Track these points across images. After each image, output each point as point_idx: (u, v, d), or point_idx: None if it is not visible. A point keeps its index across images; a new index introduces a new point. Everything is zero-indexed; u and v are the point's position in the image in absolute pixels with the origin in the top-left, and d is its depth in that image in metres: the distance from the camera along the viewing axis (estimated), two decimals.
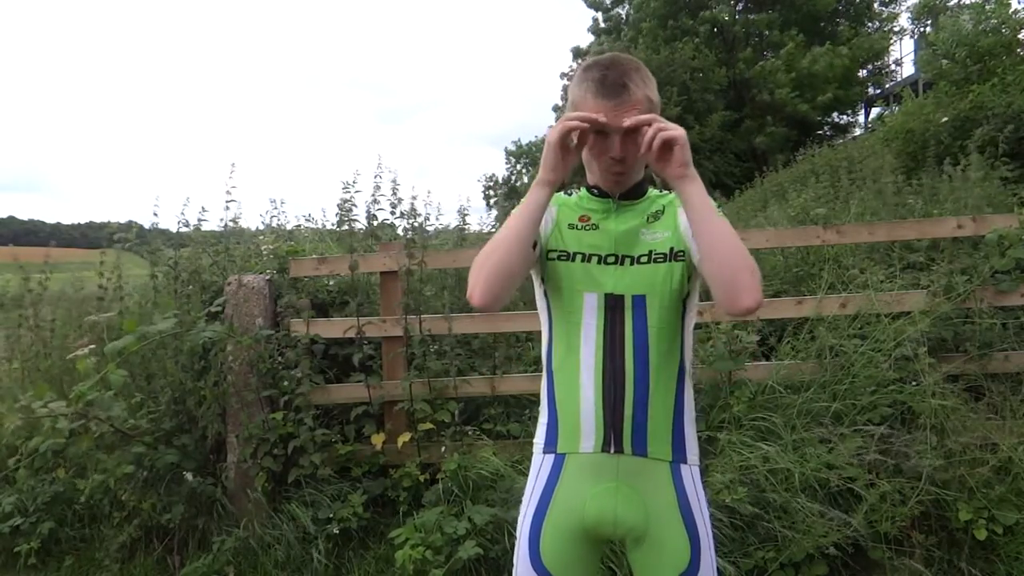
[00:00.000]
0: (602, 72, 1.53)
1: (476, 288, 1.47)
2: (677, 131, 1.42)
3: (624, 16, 27.23)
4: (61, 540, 3.60)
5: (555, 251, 1.60)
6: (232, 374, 3.51)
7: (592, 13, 27.92)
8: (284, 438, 3.43)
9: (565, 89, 29.78)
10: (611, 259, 1.57)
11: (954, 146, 7.31)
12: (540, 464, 1.63)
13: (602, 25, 27.85)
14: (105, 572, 3.39)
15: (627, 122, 1.46)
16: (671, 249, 1.56)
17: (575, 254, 1.59)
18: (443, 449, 3.42)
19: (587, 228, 1.60)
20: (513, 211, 1.54)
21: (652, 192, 1.65)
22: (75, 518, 3.65)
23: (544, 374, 1.67)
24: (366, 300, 4.04)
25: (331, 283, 4.13)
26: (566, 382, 1.59)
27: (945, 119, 8.66)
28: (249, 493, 3.40)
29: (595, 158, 1.58)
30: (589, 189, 1.66)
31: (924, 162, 7.14)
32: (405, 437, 3.45)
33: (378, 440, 3.49)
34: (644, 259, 1.56)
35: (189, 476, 3.38)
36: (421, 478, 3.38)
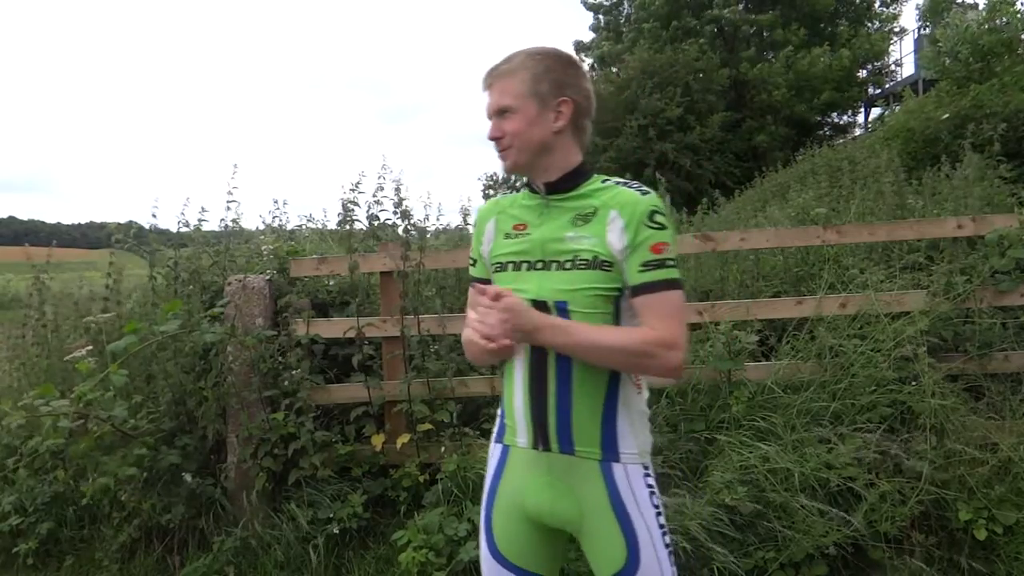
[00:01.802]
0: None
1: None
2: (496, 317, 1.48)
3: (624, 16, 27.22)
4: (61, 540, 3.60)
5: (494, 263, 1.70)
6: (232, 374, 3.50)
7: (593, 14, 27.92)
8: (284, 438, 3.43)
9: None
10: (538, 264, 1.61)
11: (954, 144, 7.31)
12: (492, 453, 1.77)
13: (603, 25, 27.85)
14: (105, 572, 3.39)
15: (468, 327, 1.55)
16: (595, 257, 1.55)
17: (507, 263, 1.66)
18: (443, 449, 3.42)
19: (520, 236, 1.66)
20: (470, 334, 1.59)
21: (594, 181, 1.63)
22: (75, 518, 3.65)
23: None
24: (366, 300, 4.04)
25: (331, 283, 4.13)
26: (508, 380, 1.69)
27: (946, 115, 8.66)
28: (249, 493, 3.39)
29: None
30: (526, 185, 1.72)
31: (924, 161, 7.15)
32: (405, 438, 3.45)
33: (378, 441, 3.49)
34: (568, 264, 1.57)
35: (188, 477, 3.38)
36: (421, 478, 3.38)
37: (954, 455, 3.03)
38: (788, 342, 3.58)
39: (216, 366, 3.51)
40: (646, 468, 1.64)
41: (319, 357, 3.73)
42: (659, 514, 1.62)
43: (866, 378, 3.20)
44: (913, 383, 3.18)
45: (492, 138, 1.64)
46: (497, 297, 1.49)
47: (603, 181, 1.62)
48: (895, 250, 4.01)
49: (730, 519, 2.83)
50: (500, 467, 1.72)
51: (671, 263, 1.54)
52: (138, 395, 3.56)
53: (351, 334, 3.55)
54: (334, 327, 3.66)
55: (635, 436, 1.62)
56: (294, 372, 3.49)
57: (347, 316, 3.81)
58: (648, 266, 1.53)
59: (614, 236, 1.54)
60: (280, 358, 3.55)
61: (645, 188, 1.60)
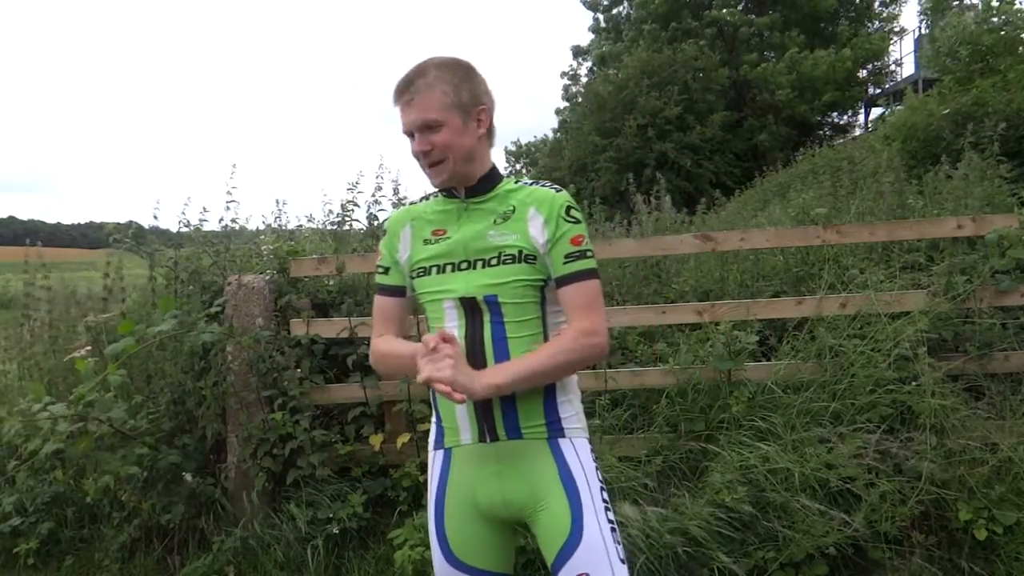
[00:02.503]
0: (400, 78, 1.66)
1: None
2: (438, 373, 1.49)
3: (624, 16, 27.22)
4: (61, 540, 3.60)
5: (415, 269, 1.72)
6: (232, 374, 3.50)
7: (592, 13, 27.94)
8: (284, 438, 3.43)
9: (565, 88, 29.92)
10: (463, 264, 1.66)
11: (955, 143, 7.31)
12: (432, 461, 1.76)
13: (602, 25, 27.86)
14: (105, 572, 3.39)
15: (420, 378, 1.52)
16: (520, 251, 1.64)
17: (431, 267, 1.70)
18: None
19: (440, 241, 1.70)
20: (398, 347, 1.71)
21: (506, 183, 1.72)
22: (75, 518, 3.65)
23: None
24: (366, 299, 4.04)
25: (331, 283, 4.13)
26: None
27: (947, 111, 8.65)
28: (249, 493, 3.39)
29: (416, 160, 1.68)
30: (440, 191, 1.75)
31: (925, 160, 7.14)
32: (404, 438, 3.45)
33: (377, 441, 3.49)
34: (494, 261, 1.64)
35: (188, 477, 3.38)
36: (421, 478, 3.37)
37: (954, 455, 3.03)
38: (788, 342, 3.58)
39: (215, 366, 3.51)
40: (590, 443, 1.73)
41: (319, 357, 3.73)
42: (603, 490, 1.68)
43: (866, 378, 3.20)
44: (913, 383, 3.18)
45: (421, 152, 1.65)
46: (435, 347, 1.51)
47: (516, 182, 1.72)
48: (895, 250, 4.01)
49: (730, 519, 2.83)
50: (444, 472, 1.73)
51: (590, 253, 1.66)
52: (138, 395, 3.56)
53: (346, 334, 3.55)
54: (334, 327, 3.65)
55: (576, 412, 1.71)
56: (288, 371, 3.48)
57: (346, 316, 3.81)
58: (570, 257, 1.64)
59: (536, 231, 1.64)
60: (280, 357, 3.55)
61: (557, 186, 1.71)
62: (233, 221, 4.47)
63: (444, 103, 1.62)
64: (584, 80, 28.03)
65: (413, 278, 1.74)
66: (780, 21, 23.61)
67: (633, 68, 21.80)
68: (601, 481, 1.70)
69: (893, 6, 25.92)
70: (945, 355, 3.41)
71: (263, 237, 4.92)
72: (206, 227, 4.48)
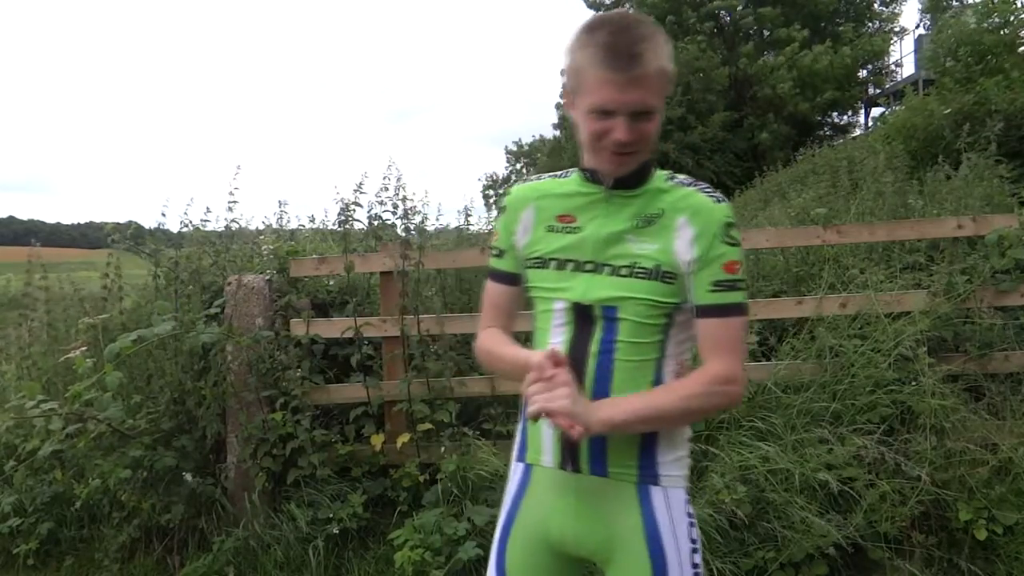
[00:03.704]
0: (611, 36, 1.30)
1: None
2: (554, 405, 1.27)
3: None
4: (60, 541, 3.60)
5: (531, 259, 1.49)
6: (231, 374, 3.50)
7: (593, 13, 27.93)
8: (284, 438, 3.43)
9: (565, 87, 29.81)
10: (588, 265, 1.42)
11: (955, 143, 7.32)
12: (514, 471, 1.57)
13: None
14: (105, 572, 3.39)
15: (531, 410, 1.29)
16: (657, 267, 1.38)
17: (549, 260, 1.46)
18: (443, 450, 3.42)
19: (567, 230, 1.45)
20: (501, 350, 1.52)
21: (659, 178, 1.43)
22: (74, 518, 3.65)
23: None
24: (366, 300, 4.04)
25: (331, 283, 4.13)
26: None
27: (948, 110, 8.65)
28: (249, 493, 3.39)
29: (595, 139, 1.36)
30: (583, 171, 1.47)
31: (925, 160, 7.13)
32: (404, 438, 3.45)
33: (377, 441, 3.49)
34: (625, 271, 1.39)
35: (188, 477, 3.38)
36: (421, 478, 3.38)
37: (954, 455, 3.03)
38: (788, 342, 3.58)
39: (215, 366, 3.51)
40: (687, 495, 1.47)
41: (319, 357, 3.73)
42: (695, 551, 1.44)
43: (866, 378, 3.20)
44: (913, 383, 3.18)
45: (627, 142, 1.32)
46: (547, 373, 1.29)
47: (668, 179, 1.43)
48: (895, 250, 4.01)
49: (730, 519, 2.83)
50: (522, 488, 1.52)
51: (742, 285, 1.39)
52: (138, 395, 3.56)
53: (349, 334, 3.55)
54: (334, 327, 3.66)
55: (678, 456, 1.46)
56: (290, 371, 3.48)
57: (346, 316, 3.81)
58: (720, 286, 1.37)
59: (682, 245, 1.37)
60: (280, 357, 3.55)
61: (718, 194, 1.41)
62: (234, 221, 4.48)
63: (663, 86, 1.33)
64: None
65: (527, 267, 1.50)
66: (781, 19, 23.60)
67: None
68: (694, 541, 1.44)
69: (893, 6, 25.93)
70: (945, 355, 3.41)
71: (263, 237, 4.93)
72: (208, 227, 4.48)
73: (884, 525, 2.86)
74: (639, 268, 1.38)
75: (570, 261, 1.43)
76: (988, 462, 3.01)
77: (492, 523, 2.99)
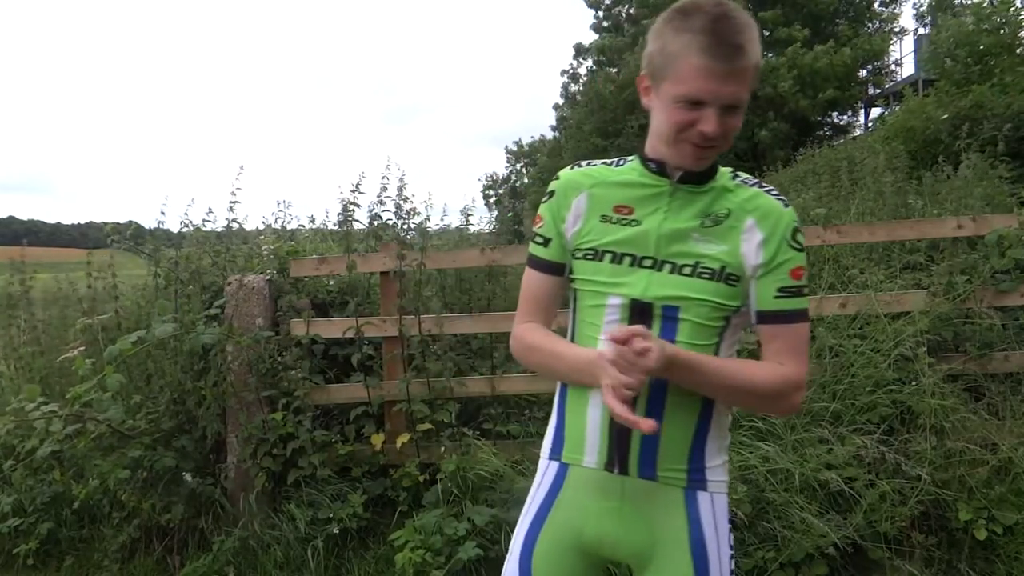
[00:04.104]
0: (712, 23, 1.23)
1: (512, 353, 1.51)
2: (648, 360, 1.19)
3: (624, 15, 27.23)
4: (60, 540, 3.60)
5: (582, 249, 1.39)
6: (232, 374, 3.50)
7: (594, 12, 27.94)
8: (284, 438, 3.43)
9: (565, 87, 29.89)
10: (647, 261, 1.34)
11: (954, 145, 7.33)
12: (545, 470, 1.48)
13: (604, 24, 27.87)
14: (105, 572, 3.39)
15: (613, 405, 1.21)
16: (722, 268, 1.33)
17: (604, 252, 1.37)
18: (443, 450, 3.42)
19: (624, 223, 1.36)
20: (556, 349, 1.40)
21: (724, 176, 1.38)
22: (74, 518, 3.65)
23: None
24: (366, 300, 4.04)
25: (331, 283, 4.13)
26: (577, 388, 1.40)
27: (945, 116, 8.68)
28: (249, 493, 3.39)
29: (678, 129, 1.29)
30: (645, 161, 1.38)
31: (925, 161, 7.15)
32: (404, 438, 3.45)
33: (377, 440, 3.49)
34: (687, 270, 1.33)
35: (188, 477, 3.38)
36: (421, 478, 3.38)
37: (954, 455, 3.03)
38: None
39: (215, 366, 3.51)
40: (728, 498, 1.46)
41: (319, 357, 3.73)
42: (732, 557, 1.43)
43: (866, 378, 3.20)
44: (913, 383, 3.18)
45: (715, 135, 1.26)
46: (640, 348, 1.19)
47: (732, 177, 1.39)
48: (895, 250, 4.01)
49: (730, 519, 2.83)
50: (556, 487, 1.44)
51: (807, 291, 1.37)
52: (138, 395, 3.56)
53: (350, 334, 3.55)
54: (334, 327, 3.66)
55: (724, 461, 1.43)
56: (292, 372, 3.49)
57: (347, 316, 3.82)
58: (786, 292, 1.34)
59: (750, 249, 1.33)
60: (280, 357, 3.55)
61: (784, 198, 1.37)
62: (235, 221, 4.48)
63: (755, 80, 1.29)
64: (584, 79, 28.05)
65: (576, 258, 1.40)
66: (781, 19, 23.62)
67: (635, 67, 21.80)
68: (731, 548, 1.43)
69: (893, 6, 25.95)
70: (945, 355, 3.41)
71: (263, 237, 4.93)
72: (208, 227, 4.48)
73: (884, 525, 2.86)
74: (703, 268, 1.33)
75: (628, 255, 1.35)
76: (988, 462, 3.01)
77: (492, 523, 3.01)
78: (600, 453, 1.38)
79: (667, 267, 1.34)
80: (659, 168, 1.36)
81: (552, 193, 1.44)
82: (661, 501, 1.37)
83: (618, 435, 1.35)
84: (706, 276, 1.33)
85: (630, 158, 1.43)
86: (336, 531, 3.25)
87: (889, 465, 2.97)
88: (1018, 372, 3.41)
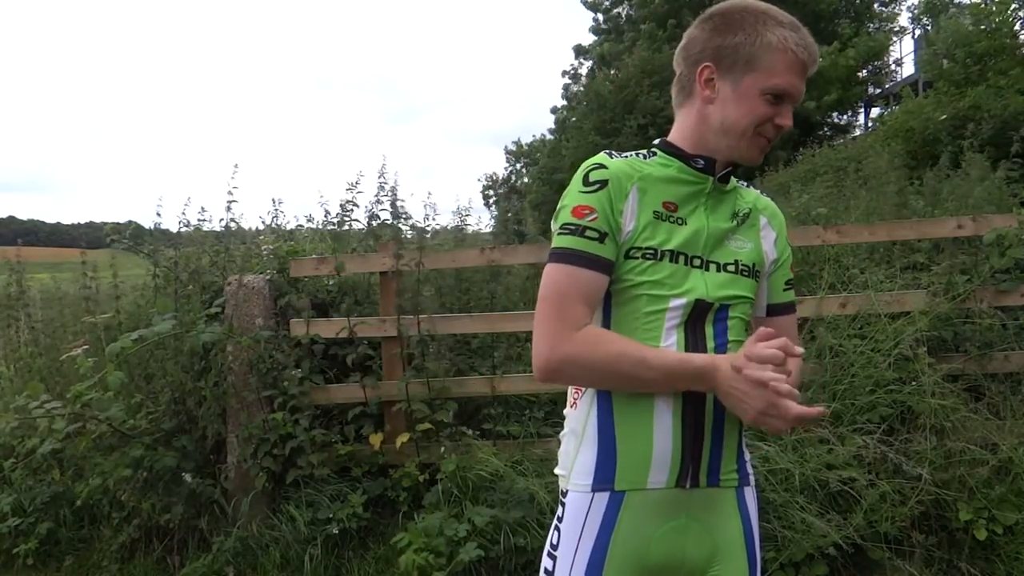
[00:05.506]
0: (790, 22, 1.30)
1: (549, 368, 1.27)
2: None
3: (623, 17, 27.23)
4: (60, 540, 3.60)
5: (640, 248, 1.28)
6: (232, 374, 3.50)
7: (592, 14, 27.95)
8: (284, 438, 3.43)
9: (566, 88, 29.83)
10: (696, 261, 1.30)
11: (953, 146, 7.34)
12: (587, 506, 1.31)
13: (603, 26, 27.88)
14: (104, 572, 3.39)
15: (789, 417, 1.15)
16: (753, 265, 1.37)
17: (664, 252, 1.28)
18: (442, 450, 3.42)
19: (672, 220, 1.31)
20: (644, 353, 1.24)
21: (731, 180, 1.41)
22: (74, 519, 3.65)
23: (586, 396, 1.34)
24: (366, 300, 4.04)
25: (331, 283, 4.13)
26: (632, 406, 1.29)
27: (944, 116, 8.70)
28: (249, 494, 3.39)
29: (760, 123, 1.30)
30: (693, 157, 1.34)
31: (925, 161, 7.15)
32: (404, 437, 3.45)
33: (376, 440, 3.49)
34: (730, 267, 1.33)
35: (188, 477, 3.37)
36: (420, 478, 3.38)
37: (954, 455, 3.03)
38: None
39: (215, 366, 3.51)
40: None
41: (319, 357, 3.73)
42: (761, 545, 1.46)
43: (866, 378, 3.20)
44: (913, 383, 3.18)
45: (783, 128, 1.34)
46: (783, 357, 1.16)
47: (736, 183, 1.45)
48: (895, 250, 4.01)
49: None
50: (610, 522, 1.30)
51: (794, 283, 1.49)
52: (138, 394, 3.56)
53: (344, 334, 3.55)
54: (334, 327, 3.65)
55: (750, 453, 1.45)
56: (292, 372, 3.48)
57: (346, 316, 3.81)
58: (789, 285, 1.46)
59: (768, 246, 1.40)
60: (280, 357, 3.55)
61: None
62: (234, 221, 4.48)
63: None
64: (585, 79, 28.06)
65: (630, 257, 1.29)
66: None
67: (634, 68, 21.78)
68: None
69: (893, 6, 25.94)
70: (945, 355, 3.41)
71: (262, 237, 4.93)
72: (206, 227, 4.48)
73: (884, 525, 2.86)
74: (742, 265, 1.35)
75: (682, 255, 1.29)
76: (988, 462, 3.01)
77: (492, 523, 3.01)
78: (672, 470, 1.29)
79: (712, 267, 1.32)
80: (707, 165, 1.33)
81: (603, 183, 1.28)
82: (720, 506, 1.35)
83: (692, 446, 1.29)
84: (745, 273, 1.36)
85: (654, 152, 1.37)
86: (336, 531, 3.25)
87: (889, 465, 2.97)
88: (1018, 372, 3.41)
